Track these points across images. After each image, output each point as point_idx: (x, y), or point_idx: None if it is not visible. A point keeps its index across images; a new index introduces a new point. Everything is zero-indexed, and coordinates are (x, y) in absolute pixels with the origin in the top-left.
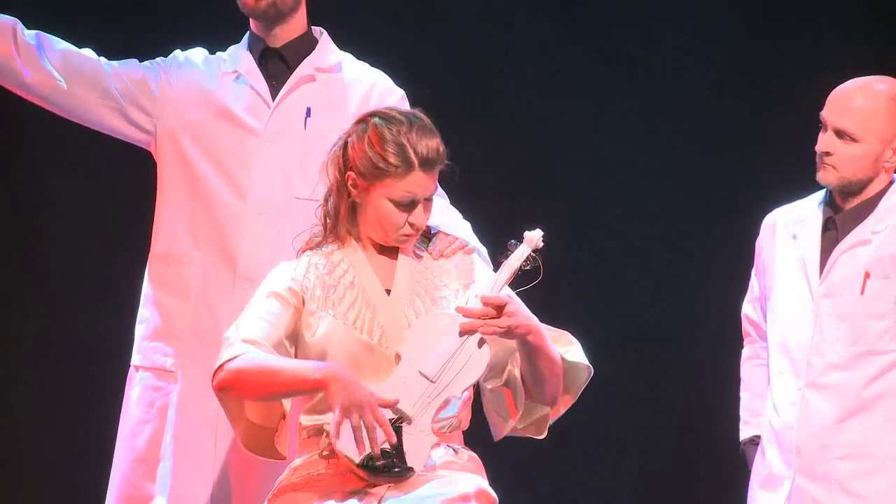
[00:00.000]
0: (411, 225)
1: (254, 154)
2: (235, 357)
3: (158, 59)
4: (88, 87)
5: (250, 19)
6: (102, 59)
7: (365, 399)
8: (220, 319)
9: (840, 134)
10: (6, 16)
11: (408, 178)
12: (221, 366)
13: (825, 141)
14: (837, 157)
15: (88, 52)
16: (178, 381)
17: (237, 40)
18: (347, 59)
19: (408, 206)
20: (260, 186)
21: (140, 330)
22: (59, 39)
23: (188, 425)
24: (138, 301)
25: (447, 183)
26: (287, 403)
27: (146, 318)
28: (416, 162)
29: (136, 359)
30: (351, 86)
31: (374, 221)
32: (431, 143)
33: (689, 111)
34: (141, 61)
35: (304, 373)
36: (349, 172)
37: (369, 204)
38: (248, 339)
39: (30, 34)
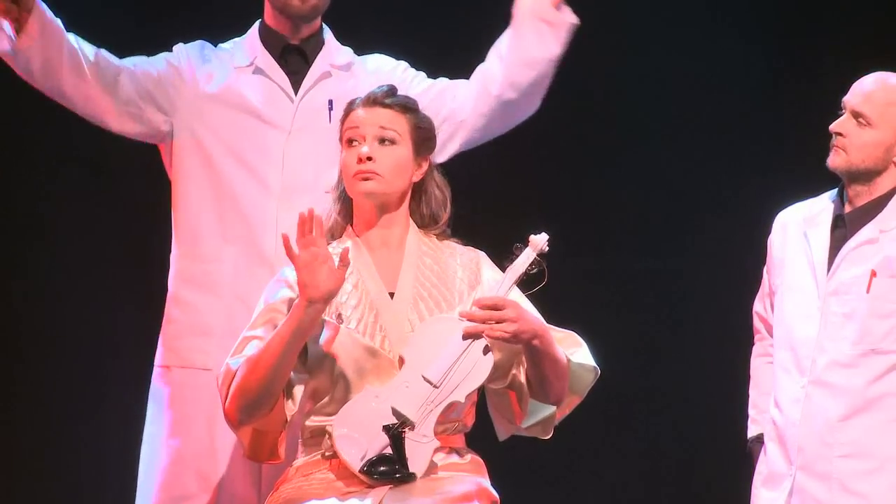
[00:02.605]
0: (359, 160)
1: (279, 148)
2: (230, 385)
3: (165, 55)
4: (111, 94)
5: (268, 13)
6: (122, 62)
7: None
8: None
9: (857, 116)
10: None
11: (350, 116)
12: (225, 399)
13: (841, 122)
14: (850, 140)
15: (110, 56)
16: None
17: (236, 33)
18: (350, 52)
19: (355, 143)
20: (290, 180)
21: (170, 329)
22: (87, 43)
23: None
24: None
25: None
26: (290, 411)
27: (175, 317)
28: (359, 100)
29: (167, 358)
30: (363, 77)
31: (345, 184)
32: (380, 88)
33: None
34: (148, 57)
35: (284, 324)
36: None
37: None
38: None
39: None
